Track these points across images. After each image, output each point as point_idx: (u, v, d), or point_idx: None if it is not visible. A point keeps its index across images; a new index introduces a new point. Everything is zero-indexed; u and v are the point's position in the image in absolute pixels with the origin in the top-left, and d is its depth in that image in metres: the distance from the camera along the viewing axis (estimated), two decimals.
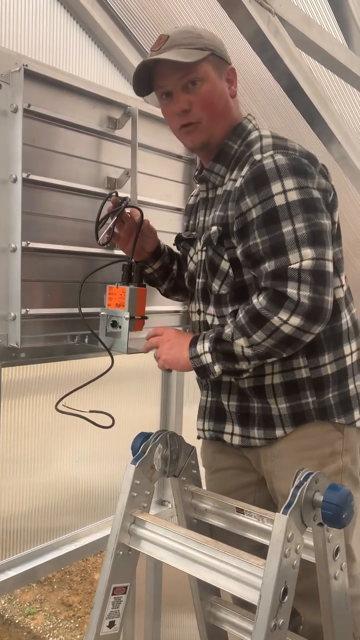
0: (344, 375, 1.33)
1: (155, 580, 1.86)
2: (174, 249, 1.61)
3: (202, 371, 1.28)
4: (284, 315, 1.14)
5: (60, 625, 3.62)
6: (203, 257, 1.37)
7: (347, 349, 1.33)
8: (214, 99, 1.29)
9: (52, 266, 1.44)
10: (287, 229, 1.16)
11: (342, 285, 1.33)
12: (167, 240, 1.61)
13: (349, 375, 1.34)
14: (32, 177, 1.37)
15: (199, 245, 1.41)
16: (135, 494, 1.22)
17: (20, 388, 1.62)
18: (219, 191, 1.35)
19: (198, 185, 1.42)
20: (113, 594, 1.19)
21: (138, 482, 1.22)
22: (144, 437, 1.28)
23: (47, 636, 3.52)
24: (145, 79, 1.32)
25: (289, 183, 1.17)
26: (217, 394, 1.41)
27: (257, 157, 1.22)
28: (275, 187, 1.17)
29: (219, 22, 1.68)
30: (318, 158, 1.26)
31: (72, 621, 3.66)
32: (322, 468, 1.28)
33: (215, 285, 1.33)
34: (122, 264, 1.47)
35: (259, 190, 1.19)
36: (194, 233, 1.45)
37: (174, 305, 1.81)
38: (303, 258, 1.14)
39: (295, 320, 1.14)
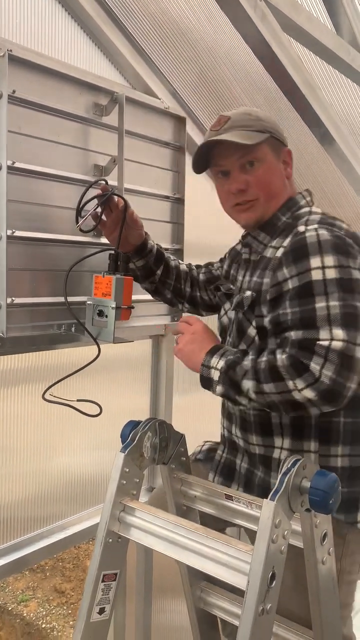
0: (354, 473, 1.27)
1: (146, 567, 1.88)
2: (177, 260, 1.62)
3: (206, 382, 1.26)
4: (299, 384, 1.11)
5: (53, 611, 3.66)
6: (233, 318, 1.37)
7: None
8: (271, 179, 1.32)
9: (38, 255, 1.43)
10: (320, 304, 1.13)
11: None
12: (156, 228, 1.60)
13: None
14: (18, 164, 1.35)
15: (230, 305, 1.41)
16: (125, 482, 1.22)
17: (8, 378, 1.61)
18: (259, 257, 1.35)
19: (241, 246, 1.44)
20: (103, 581, 1.19)
21: (127, 470, 1.22)
22: (133, 425, 1.28)
23: (40, 622, 3.56)
24: (204, 157, 1.35)
25: (329, 260, 1.15)
26: (232, 452, 1.42)
27: (301, 228, 1.22)
28: (314, 262, 1.16)
29: (205, 6, 1.66)
30: (307, 146, 1.25)
31: (65, 607, 3.70)
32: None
33: (241, 348, 1.32)
34: (108, 253, 1.46)
35: (297, 262, 1.18)
36: (232, 287, 1.45)
37: None
38: (333, 337, 1.10)
39: (309, 394, 1.10)
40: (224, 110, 1.88)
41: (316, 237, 1.18)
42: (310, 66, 1.45)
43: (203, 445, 1.55)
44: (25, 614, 3.65)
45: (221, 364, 1.23)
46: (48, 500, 1.73)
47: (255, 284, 1.30)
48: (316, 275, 1.15)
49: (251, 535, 1.42)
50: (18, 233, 1.36)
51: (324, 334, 1.11)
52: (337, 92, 1.59)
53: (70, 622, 3.58)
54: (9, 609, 3.69)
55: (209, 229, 2.01)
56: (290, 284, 1.19)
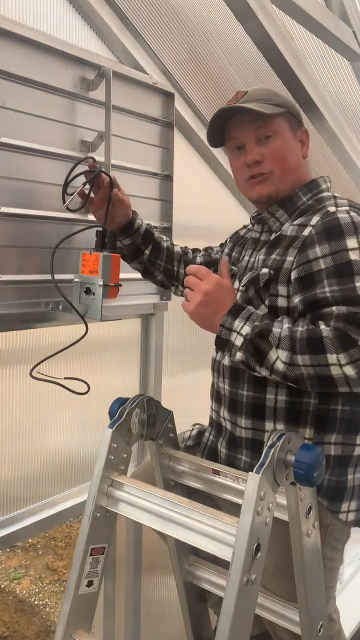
0: (345, 462, 1.26)
1: (136, 543, 1.90)
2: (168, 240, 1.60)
3: (223, 344, 1.20)
4: (343, 358, 1.06)
5: (46, 589, 3.70)
6: (241, 296, 1.32)
7: None
8: (287, 153, 1.31)
9: (25, 231, 1.42)
10: (358, 284, 1.11)
11: None
12: (144, 206, 1.59)
13: (352, 464, 1.27)
14: (3, 139, 1.33)
15: (237, 284, 1.37)
16: (113, 457, 1.23)
17: None
18: (273, 236, 1.32)
19: (252, 224, 1.40)
20: (91, 555, 1.21)
21: (115, 445, 1.23)
22: (121, 401, 1.29)
23: (32, 599, 3.59)
24: (218, 130, 1.34)
25: None
26: (216, 436, 1.42)
27: (332, 209, 1.21)
28: (351, 242, 1.14)
29: None
30: None
31: (57, 585, 3.74)
32: None
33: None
34: (95, 230, 1.45)
35: (331, 241, 1.16)
36: (234, 269, 1.41)
37: None
38: None
39: (350, 371, 1.06)
40: (213, 86, 1.87)
41: (350, 219, 1.17)
42: (299, 40, 1.43)
43: (192, 430, 1.55)
44: (18, 592, 3.68)
45: (247, 329, 1.16)
46: (38, 479, 1.73)
47: (274, 262, 1.26)
48: (354, 255, 1.13)
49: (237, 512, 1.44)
50: (4, 209, 1.35)
51: None
52: (326, 66, 1.57)
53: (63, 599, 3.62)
54: (2, 586, 3.73)
55: (198, 208, 2.00)
56: (322, 264, 1.16)
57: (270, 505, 1.04)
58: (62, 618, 1.18)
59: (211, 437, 1.45)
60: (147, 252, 1.55)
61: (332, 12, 1.27)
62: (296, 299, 1.21)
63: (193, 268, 1.26)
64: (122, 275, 1.44)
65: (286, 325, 1.14)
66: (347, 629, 2.49)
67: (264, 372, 1.16)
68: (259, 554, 1.02)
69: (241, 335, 1.16)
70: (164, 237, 1.62)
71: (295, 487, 1.11)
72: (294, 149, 1.32)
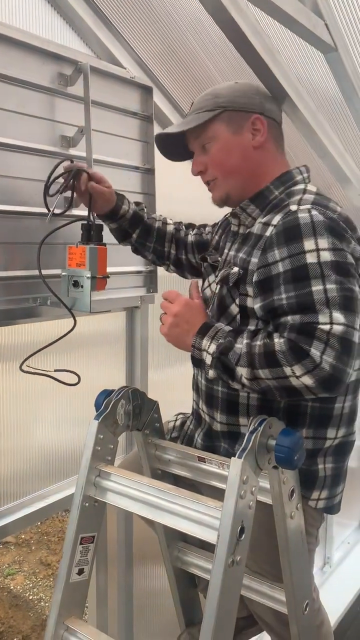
0: (315, 453, 1.28)
1: (126, 533, 1.93)
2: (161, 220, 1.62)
3: (197, 363, 1.24)
4: (298, 370, 1.06)
5: (40, 583, 3.72)
6: (217, 292, 1.33)
7: (331, 433, 1.28)
8: (224, 156, 1.31)
9: (9, 228, 1.43)
10: (317, 288, 1.09)
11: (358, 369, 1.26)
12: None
13: (321, 454, 1.28)
14: None
15: (215, 277, 1.38)
16: (99, 448, 1.25)
17: None
18: (247, 230, 1.32)
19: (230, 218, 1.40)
20: (81, 543, 1.23)
21: (102, 436, 1.26)
22: (106, 393, 1.31)
23: (27, 594, 3.62)
24: (173, 146, 1.41)
25: (324, 242, 1.11)
26: (195, 426, 1.44)
27: (293, 207, 1.18)
28: (308, 244, 1.11)
29: None
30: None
31: (51, 579, 3.77)
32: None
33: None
34: (81, 223, 1.46)
35: (289, 244, 1.14)
36: (219, 259, 1.42)
37: (136, 266, 1.82)
38: (333, 321, 1.06)
39: (308, 381, 1.06)
40: (191, 79, 1.89)
41: (309, 218, 1.14)
42: (271, 32, 1.45)
43: (176, 420, 1.56)
44: (12, 587, 3.71)
45: (212, 347, 1.19)
46: (27, 474, 1.75)
47: (242, 261, 1.26)
48: (311, 258, 1.11)
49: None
50: None
51: (323, 318, 1.07)
52: (299, 58, 1.59)
53: None
54: None
55: (182, 201, 2.02)
56: (281, 267, 1.14)
57: (253, 488, 1.07)
58: (54, 606, 1.21)
59: (190, 426, 1.48)
60: (134, 235, 1.58)
61: (303, 5, 1.29)
62: (256, 305, 1.21)
63: (165, 293, 1.33)
64: (108, 269, 1.45)
65: (245, 342, 1.15)
66: (338, 609, 2.54)
67: (237, 386, 1.19)
68: (243, 536, 1.05)
69: (209, 354, 1.19)
70: (157, 217, 1.63)
71: (278, 471, 1.14)
72: (235, 147, 1.30)
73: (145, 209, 1.62)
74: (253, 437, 1.07)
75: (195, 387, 1.44)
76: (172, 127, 1.39)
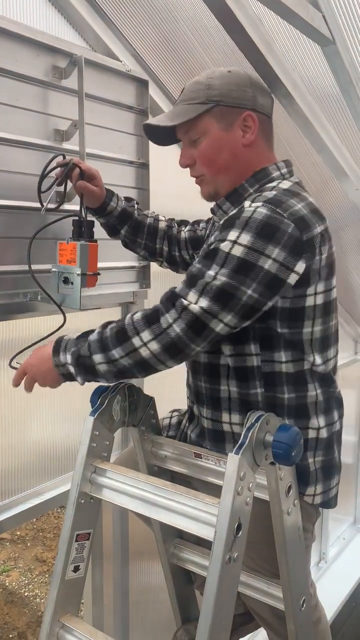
0: (303, 447, 1.25)
1: (122, 530, 1.92)
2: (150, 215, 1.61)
3: (70, 378, 1.27)
4: (145, 336, 1.14)
5: (35, 580, 3.72)
6: None
7: (312, 423, 1.28)
8: (213, 153, 1.29)
9: (1, 222, 1.41)
10: (210, 272, 1.14)
11: (312, 364, 1.26)
12: (121, 194, 1.59)
13: (310, 448, 1.28)
14: None
15: None
16: (95, 445, 1.24)
17: None
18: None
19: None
20: (77, 541, 1.22)
21: (97, 432, 1.25)
22: (102, 389, 1.30)
23: (22, 591, 3.61)
24: (160, 133, 1.36)
25: (245, 238, 1.13)
26: (189, 422, 1.44)
27: (246, 204, 1.20)
28: (232, 234, 1.15)
29: None
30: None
31: (47, 576, 3.76)
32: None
33: None
34: (72, 219, 1.45)
35: (222, 230, 1.18)
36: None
37: (129, 261, 1.80)
38: (196, 302, 1.13)
39: (153, 346, 1.14)
40: (187, 73, 1.87)
41: (250, 214, 1.15)
42: (268, 24, 1.43)
43: (171, 417, 1.56)
44: (7, 584, 3.70)
45: (68, 357, 1.23)
46: (22, 471, 1.74)
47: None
48: (225, 246, 1.15)
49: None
50: None
51: (192, 296, 1.14)
52: (296, 50, 1.58)
53: None
54: None
55: (176, 197, 2.00)
56: (205, 246, 1.20)
57: (251, 485, 1.06)
58: (50, 603, 1.20)
59: (185, 423, 1.47)
60: (123, 231, 1.58)
61: None
62: None
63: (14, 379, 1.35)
64: (100, 264, 1.44)
65: (96, 331, 1.22)
66: (333, 605, 2.55)
67: (104, 381, 1.24)
68: (240, 533, 1.04)
69: (69, 364, 1.23)
70: (149, 214, 1.62)
71: (275, 467, 1.14)
72: (225, 143, 1.28)
73: (136, 206, 1.61)
74: (250, 433, 1.06)
75: (187, 384, 1.44)
76: (161, 118, 1.33)
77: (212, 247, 1.18)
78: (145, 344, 1.14)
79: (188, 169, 1.37)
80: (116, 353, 1.17)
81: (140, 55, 1.84)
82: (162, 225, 1.62)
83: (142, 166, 1.82)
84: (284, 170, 1.31)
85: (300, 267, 1.16)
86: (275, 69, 1.21)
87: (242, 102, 1.27)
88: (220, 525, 1.03)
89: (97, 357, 1.19)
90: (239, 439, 1.28)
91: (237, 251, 1.13)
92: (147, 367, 1.18)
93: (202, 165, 1.32)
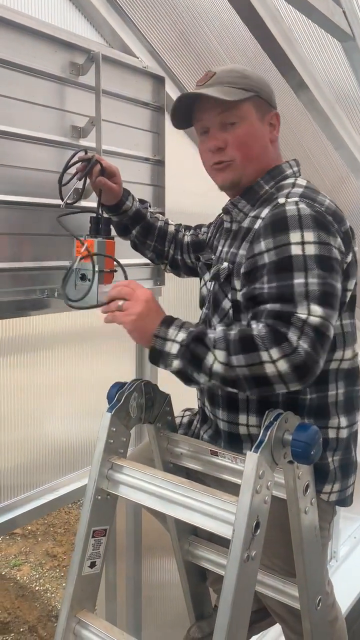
0: (322, 446, 1.24)
1: (135, 526, 1.93)
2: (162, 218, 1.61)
3: (157, 356, 1.16)
4: (275, 354, 1.05)
5: (46, 574, 3.74)
6: (211, 289, 1.34)
7: (332, 423, 1.28)
8: (250, 140, 1.28)
9: (18, 219, 1.41)
10: (298, 280, 1.09)
11: (341, 360, 1.26)
12: (136, 191, 1.59)
13: (330, 447, 1.28)
14: None
15: (208, 276, 1.38)
16: (112, 441, 1.24)
17: None
18: (238, 226, 1.32)
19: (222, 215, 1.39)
20: (93, 537, 1.22)
21: (114, 429, 1.25)
22: (119, 386, 1.30)
23: (33, 585, 3.64)
24: (185, 112, 1.32)
25: (309, 235, 1.12)
26: (202, 424, 1.43)
27: (281, 200, 1.18)
28: (294, 236, 1.12)
29: None
30: (290, 107, 1.23)
31: (57, 570, 3.79)
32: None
33: (215, 321, 1.30)
34: (89, 216, 1.45)
35: (276, 236, 1.14)
36: (213, 258, 1.41)
37: (143, 258, 1.80)
38: (311, 313, 1.07)
39: (283, 366, 1.05)
40: (203, 69, 1.86)
41: (297, 211, 1.14)
42: (289, 20, 1.42)
43: (183, 417, 1.55)
44: (18, 578, 3.73)
45: (182, 335, 1.14)
46: (37, 467, 1.75)
47: (232, 255, 1.28)
48: (296, 250, 1.11)
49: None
50: None
51: (301, 308, 1.08)
52: (316, 46, 1.57)
53: (63, 584, 3.67)
54: (3, 573, 3.77)
55: (192, 194, 2.00)
56: (266, 258, 1.15)
57: (269, 483, 1.06)
58: (66, 599, 1.20)
59: (197, 425, 1.47)
60: (134, 232, 1.58)
61: None
62: (240, 293, 1.22)
63: (123, 281, 1.25)
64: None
65: (220, 328, 1.14)
66: (344, 604, 2.54)
67: (202, 379, 1.13)
68: (258, 531, 1.04)
69: (177, 342, 1.13)
70: (160, 217, 1.63)
71: (293, 466, 1.13)
72: (260, 134, 1.29)
73: (149, 208, 1.61)
74: (269, 432, 1.06)
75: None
76: (203, 89, 1.25)
77: (276, 257, 1.13)
78: (273, 362, 1.06)
79: (201, 163, 1.37)
80: (236, 360, 1.08)
81: (157, 52, 1.83)
82: (171, 228, 1.63)
83: (158, 163, 1.82)
84: (295, 169, 1.33)
85: (349, 258, 1.20)
86: (295, 64, 1.20)
87: (271, 101, 1.31)
88: (238, 524, 1.02)
89: (218, 353, 1.09)
90: (256, 440, 1.29)
91: (311, 249, 1.11)
92: (262, 385, 1.09)
93: (236, 150, 1.28)
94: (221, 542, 1.43)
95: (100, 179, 1.42)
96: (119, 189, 1.48)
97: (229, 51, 1.78)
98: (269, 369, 1.06)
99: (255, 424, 1.28)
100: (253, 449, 1.05)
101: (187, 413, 1.55)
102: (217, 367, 1.10)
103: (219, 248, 1.39)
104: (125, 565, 1.95)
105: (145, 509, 1.52)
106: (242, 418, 1.30)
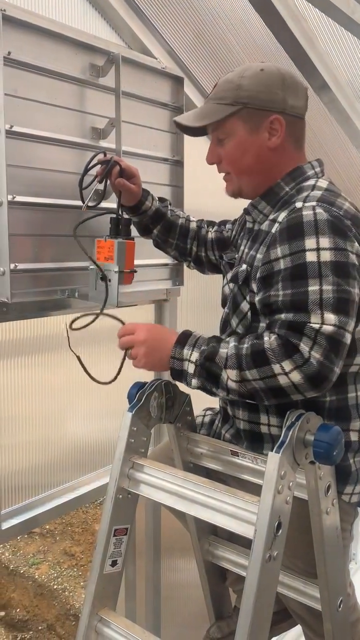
0: (344, 448, 1.23)
1: (155, 526, 1.93)
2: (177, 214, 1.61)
3: (178, 375, 1.22)
4: (287, 366, 1.07)
5: (64, 573, 3.76)
6: (231, 290, 1.35)
7: (354, 425, 1.27)
8: (239, 154, 1.27)
9: (39, 220, 1.43)
10: (313, 288, 1.09)
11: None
12: (155, 192, 1.59)
13: (351, 449, 1.27)
14: (16, 128, 1.34)
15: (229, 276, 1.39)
16: (133, 440, 1.25)
17: (14, 347, 1.62)
18: (258, 227, 1.31)
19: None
20: (114, 535, 1.23)
21: (135, 428, 1.25)
22: (139, 386, 1.30)
23: (51, 584, 3.66)
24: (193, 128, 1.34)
25: (325, 241, 1.10)
26: (223, 423, 1.43)
27: (298, 205, 1.17)
28: (310, 242, 1.11)
29: None
30: (310, 106, 1.21)
31: (75, 569, 3.81)
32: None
33: (234, 322, 1.31)
34: (109, 217, 1.46)
35: (291, 241, 1.13)
36: (236, 258, 1.41)
37: (163, 259, 1.81)
38: (324, 322, 1.08)
39: (296, 377, 1.07)
40: (222, 70, 1.86)
41: (313, 216, 1.13)
42: (310, 19, 1.42)
43: (204, 416, 1.56)
44: (37, 576, 3.75)
45: (195, 355, 1.18)
46: (57, 466, 1.76)
47: (251, 258, 1.27)
48: (311, 256, 1.10)
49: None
50: (19, 198, 1.35)
51: (315, 317, 1.08)
52: (337, 45, 1.56)
53: (81, 583, 3.69)
54: (21, 571, 3.80)
55: (211, 194, 1.99)
56: (282, 264, 1.14)
57: (291, 483, 1.06)
58: (88, 597, 1.21)
59: (219, 424, 1.47)
60: (155, 231, 1.58)
61: None
62: (256, 299, 1.22)
63: (120, 331, 1.30)
64: (135, 262, 1.45)
65: (232, 344, 1.15)
66: None
67: (221, 394, 1.18)
68: (280, 532, 1.04)
69: (192, 362, 1.18)
70: (181, 214, 1.62)
71: (315, 466, 1.13)
72: (250, 147, 1.26)
73: (169, 206, 1.61)
74: (291, 432, 1.05)
75: None
76: (189, 117, 1.32)
77: (291, 264, 1.12)
78: (286, 374, 1.08)
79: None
80: (250, 375, 1.11)
81: (176, 53, 1.84)
82: (193, 225, 1.63)
83: (177, 164, 1.83)
84: (318, 169, 1.30)
85: None
86: (316, 63, 1.19)
87: (270, 105, 1.24)
88: (260, 524, 1.02)
89: (230, 372, 1.13)
90: (277, 440, 1.29)
91: (326, 256, 1.10)
92: (280, 395, 1.12)
93: (227, 165, 1.31)
94: (241, 542, 1.43)
95: (119, 181, 1.43)
96: (138, 189, 1.49)
97: (247, 50, 1.78)
98: (283, 380, 1.09)
99: (276, 424, 1.28)
100: (275, 449, 1.05)
101: (209, 412, 1.55)
102: (232, 385, 1.15)
103: (241, 248, 1.38)
104: (145, 565, 1.96)
105: (166, 509, 1.52)
106: (263, 418, 1.30)
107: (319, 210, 1.13)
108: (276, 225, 1.22)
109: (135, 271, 1.46)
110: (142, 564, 1.94)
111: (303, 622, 1.44)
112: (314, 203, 1.15)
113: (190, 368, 1.19)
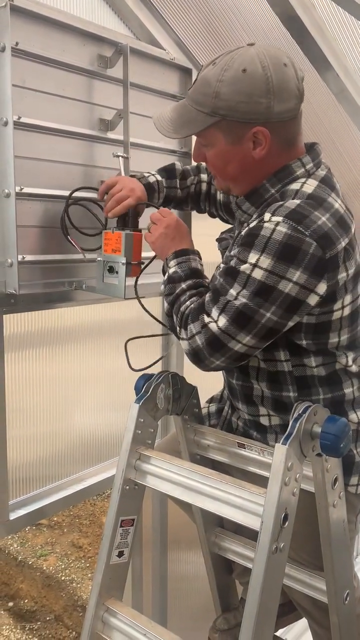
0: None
1: (161, 518, 1.94)
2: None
3: (163, 272, 1.34)
4: (182, 334, 1.22)
5: (72, 565, 3.79)
6: None
7: (352, 418, 1.28)
8: (221, 164, 1.21)
9: (47, 211, 1.43)
10: (232, 291, 1.13)
11: (347, 364, 1.26)
12: None
13: (353, 440, 1.28)
14: (24, 119, 1.34)
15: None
16: (140, 432, 1.25)
17: (23, 340, 1.63)
18: (246, 225, 1.26)
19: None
20: (121, 526, 1.24)
21: (142, 420, 1.25)
22: (146, 377, 1.30)
23: (59, 575, 3.69)
24: None
25: (265, 261, 1.09)
26: (232, 411, 1.43)
27: (266, 217, 1.12)
28: (252, 257, 1.11)
29: None
30: (318, 95, 1.15)
31: (83, 561, 3.83)
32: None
33: None
34: None
35: (242, 248, 1.14)
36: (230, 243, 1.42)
37: None
38: (216, 321, 1.15)
39: (183, 344, 1.22)
40: None
41: (270, 233, 1.09)
42: (320, 8, 1.40)
43: (209, 406, 1.55)
44: (45, 568, 3.78)
45: (172, 268, 1.28)
46: (65, 458, 1.77)
47: (226, 258, 1.29)
48: (245, 269, 1.12)
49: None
50: (27, 190, 1.36)
51: (214, 312, 1.16)
52: (347, 34, 1.54)
53: (89, 575, 3.71)
54: (29, 563, 3.83)
55: None
56: (232, 263, 1.16)
57: (297, 475, 1.05)
58: (95, 587, 1.22)
59: (228, 410, 1.47)
60: (170, 208, 1.54)
61: None
62: None
63: (160, 210, 1.37)
64: (142, 254, 1.45)
65: (188, 293, 1.25)
66: None
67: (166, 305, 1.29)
68: (286, 523, 1.04)
69: (169, 272, 1.29)
70: (189, 181, 1.57)
71: (322, 459, 1.13)
72: (234, 157, 1.18)
73: (177, 177, 1.55)
74: (298, 424, 1.05)
75: (223, 377, 1.45)
76: (167, 124, 1.22)
77: (233, 265, 1.15)
78: (180, 338, 1.23)
79: None
80: (174, 320, 1.26)
81: (184, 43, 1.83)
82: (204, 187, 1.58)
83: (185, 155, 1.82)
84: (309, 166, 1.20)
85: (322, 287, 1.11)
86: (326, 53, 1.18)
87: (251, 117, 1.12)
88: (267, 515, 1.02)
89: (165, 303, 1.29)
90: (278, 429, 1.29)
91: (258, 274, 1.10)
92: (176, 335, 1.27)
93: (211, 168, 1.26)
94: (248, 534, 1.43)
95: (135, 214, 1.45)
96: (143, 208, 1.48)
97: (256, 41, 1.76)
98: (182, 341, 1.23)
99: (275, 414, 1.29)
100: (282, 440, 1.04)
101: (213, 403, 1.55)
102: (166, 308, 1.30)
103: (233, 237, 1.38)
104: (152, 556, 1.96)
105: (172, 500, 1.52)
106: (263, 410, 1.31)
107: (280, 228, 1.09)
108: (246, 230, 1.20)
109: (143, 263, 1.45)
110: (148, 556, 1.95)
111: (308, 615, 1.44)
112: (279, 219, 1.10)
113: (165, 275, 1.30)
